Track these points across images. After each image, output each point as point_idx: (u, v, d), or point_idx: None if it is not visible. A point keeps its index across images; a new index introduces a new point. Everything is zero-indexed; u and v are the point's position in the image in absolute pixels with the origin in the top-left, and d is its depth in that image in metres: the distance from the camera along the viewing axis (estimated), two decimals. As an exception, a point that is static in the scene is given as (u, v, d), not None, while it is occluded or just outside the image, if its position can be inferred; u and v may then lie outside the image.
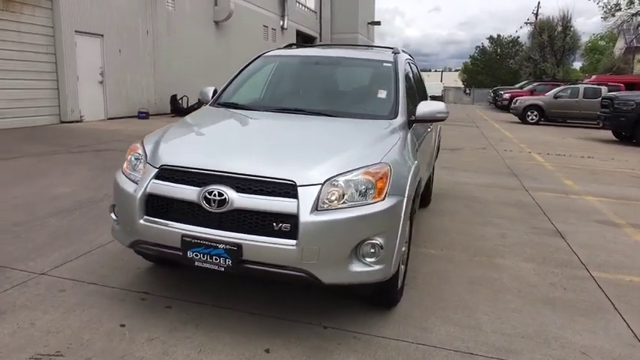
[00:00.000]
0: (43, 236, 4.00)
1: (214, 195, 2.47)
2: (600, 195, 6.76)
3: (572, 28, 38.20)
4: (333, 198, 2.48)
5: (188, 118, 3.48)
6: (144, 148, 2.89)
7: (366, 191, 2.54)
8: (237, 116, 3.50)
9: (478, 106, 37.27)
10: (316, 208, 2.43)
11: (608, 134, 15.40)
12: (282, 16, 24.75)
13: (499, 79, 51.77)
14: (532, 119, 20.32)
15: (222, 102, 3.76)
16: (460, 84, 63.59)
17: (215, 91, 3.94)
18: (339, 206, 2.47)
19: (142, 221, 2.64)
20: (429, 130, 4.31)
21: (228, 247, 2.45)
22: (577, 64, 50.21)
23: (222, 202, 2.46)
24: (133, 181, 2.77)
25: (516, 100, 21.54)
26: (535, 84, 27.92)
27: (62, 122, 11.31)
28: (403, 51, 4.65)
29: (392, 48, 4.31)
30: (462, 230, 4.81)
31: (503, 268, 3.84)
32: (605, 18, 27.88)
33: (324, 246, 2.40)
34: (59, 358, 2.37)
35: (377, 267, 2.55)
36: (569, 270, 3.88)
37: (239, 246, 2.44)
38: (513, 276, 3.70)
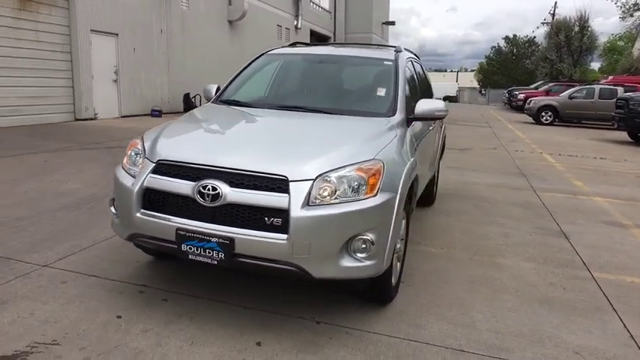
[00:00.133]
0: (49, 230, 4.09)
1: (208, 189, 2.51)
2: (609, 196, 6.66)
3: (589, 28, 37.65)
4: (325, 193, 2.51)
5: (189, 114, 3.54)
6: (143, 143, 2.94)
7: (358, 187, 2.56)
8: (236, 113, 3.55)
9: (493, 107, 36.90)
10: (308, 203, 2.45)
11: (623, 135, 15.15)
12: (296, 16, 24.81)
13: (515, 80, 51.19)
14: (546, 120, 20.06)
15: (224, 99, 3.81)
16: (476, 84, 63.04)
17: (218, 89, 3.99)
18: (331, 202, 2.50)
19: (138, 214, 2.70)
20: (431, 128, 4.30)
21: (220, 240, 2.49)
22: (595, 65, 49.49)
23: (216, 196, 2.50)
24: (131, 175, 2.82)
25: (530, 101, 21.29)
26: (551, 84, 27.55)
27: (77, 120, 11.52)
28: (407, 50, 4.65)
29: (395, 47, 4.32)
30: (466, 229, 4.79)
31: (503, 268, 3.83)
32: (623, 18, 27.45)
33: (314, 241, 2.43)
34: (55, 347, 2.43)
35: (368, 262, 2.56)
36: (570, 270, 3.85)
37: (231, 240, 2.47)
38: (513, 275, 3.68)
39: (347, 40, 31.17)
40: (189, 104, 14.78)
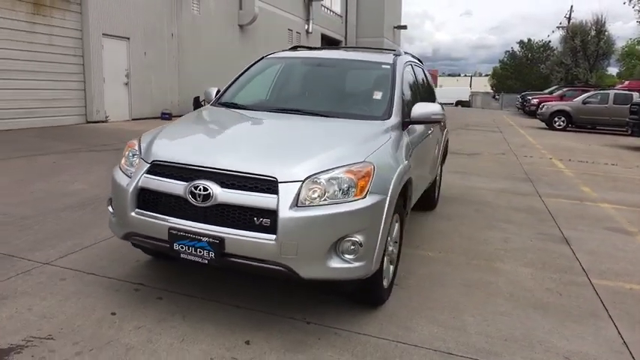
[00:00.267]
0: (52, 229, 4.18)
1: (199, 190, 2.56)
2: (617, 202, 6.59)
3: (606, 33, 37.25)
4: (315, 195, 2.54)
5: (186, 116, 3.61)
6: (140, 144, 3.01)
7: (348, 189, 2.59)
8: (232, 115, 3.61)
9: (506, 112, 36.61)
10: (296, 204, 2.49)
11: (638, 142, 14.94)
12: (307, 20, 24.94)
13: (529, 84, 50.79)
14: (559, 125, 19.85)
15: (222, 102, 3.88)
16: (490, 89, 62.65)
17: (218, 91, 4.06)
18: (320, 203, 2.53)
19: (133, 214, 2.76)
20: (430, 132, 4.31)
21: (211, 240, 2.54)
22: (613, 70, 48.90)
23: (207, 196, 2.55)
24: (127, 175, 2.89)
25: (543, 106, 21.11)
26: (565, 89, 27.29)
27: (88, 122, 11.71)
28: (407, 54, 4.68)
29: (394, 50, 4.34)
30: (466, 234, 4.78)
31: (500, 273, 3.82)
32: (640, 22, 27.06)
33: (302, 241, 2.46)
34: (50, 341, 2.49)
35: (357, 264, 2.59)
36: (569, 276, 3.82)
37: (221, 239, 2.52)
38: (509, 280, 3.67)
39: (358, 44, 31.23)
40: (198, 107, 14.93)
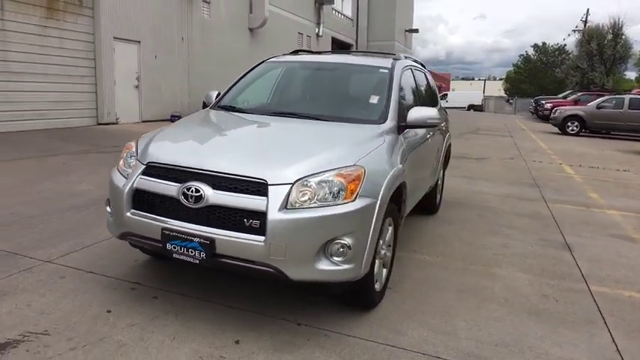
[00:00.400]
0: (56, 228, 4.27)
1: (192, 191, 2.61)
2: (625, 209, 6.51)
3: (623, 36, 36.75)
4: (305, 197, 2.57)
5: (185, 119, 3.67)
6: (137, 146, 3.07)
7: (338, 192, 2.62)
8: (229, 118, 3.66)
9: (520, 116, 36.27)
10: (286, 206, 2.52)
11: (653, 148, 14.73)
12: (318, 24, 25.02)
13: (544, 89, 50.24)
14: (572, 130, 19.60)
15: (221, 105, 3.93)
16: (503, 93, 62.16)
17: (219, 94, 4.12)
18: (310, 205, 2.56)
19: (128, 214, 2.82)
20: (429, 136, 4.32)
21: (202, 240, 2.58)
22: (631, 74, 48.19)
23: (199, 198, 2.59)
24: (124, 176, 2.95)
25: (556, 110, 20.87)
26: (579, 94, 26.97)
27: (99, 124, 11.89)
28: (408, 58, 4.69)
29: (394, 54, 4.37)
30: (465, 239, 4.77)
31: (497, 278, 3.81)
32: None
33: (290, 243, 2.49)
34: (45, 337, 2.55)
35: (345, 266, 2.61)
36: (567, 282, 3.80)
37: (212, 240, 2.56)
38: (505, 286, 3.66)
39: (369, 47, 31.25)
40: (208, 110, 15.06)
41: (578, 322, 3.15)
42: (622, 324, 3.15)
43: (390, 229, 3.21)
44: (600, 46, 36.52)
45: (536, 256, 4.39)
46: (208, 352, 2.51)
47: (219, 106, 3.94)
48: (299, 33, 23.26)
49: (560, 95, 31.77)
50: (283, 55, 4.56)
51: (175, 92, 14.59)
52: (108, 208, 3.10)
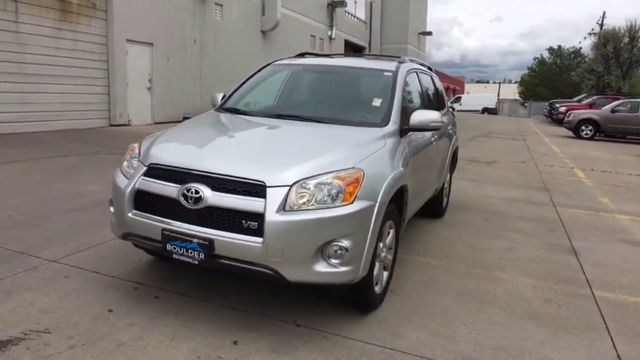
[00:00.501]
0: (63, 228, 4.34)
1: (191, 192, 2.64)
2: (635, 214, 6.42)
3: (639, 39, 36.17)
4: (303, 200, 2.59)
5: (188, 121, 3.71)
6: (140, 147, 3.12)
7: (337, 194, 2.63)
8: (232, 120, 3.70)
9: (534, 120, 35.95)
10: (283, 208, 2.54)
11: (667, 152, 14.48)
12: (331, 26, 25.07)
13: (559, 92, 49.69)
14: (586, 134, 19.35)
15: (226, 107, 3.97)
16: (518, 96, 61.58)
17: (224, 97, 4.16)
18: (308, 208, 2.57)
19: (130, 214, 2.86)
20: (433, 139, 4.31)
21: (201, 241, 2.61)
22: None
23: (198, 199, 2.63)
24: (127, 177, 2.99)
25: (570, 114, 20.63)
26: (595, 97, 26.61)
27: (111, 125, 12.06)
28: (413, 61, 4.69)
29: (399, 57, 4.37)
30: (470, 242, 4.75)
31: (499, 282, 3.78)
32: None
33: (288, 245, 2.51)
34: (46, 335, 2.60)
35: (343, 268, 2.62)
36: (571, 287, 3.76)
37: (211, 241, 2.59)
38: (508, 290, 3.63)
39: (382, 50, 31.21)
40: (220, 112, 15.19)
41: (580, 327, 3.12)
42: (624, 329, 3.11)
43: (391, 231, 3.22)
44: (616, 49, 35.98)
45: (541, 260, 4.35)
46: (206, 352, 2.54)
47: (223, 108, 3.98)
48: (311, 35, 23.33)
49: (575, 99, 31.39)
50: (289, 57, 4.59)
51: (187, 94, 14.72)
52: (111, 209, 3.15)
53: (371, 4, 31.24)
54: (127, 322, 2.79)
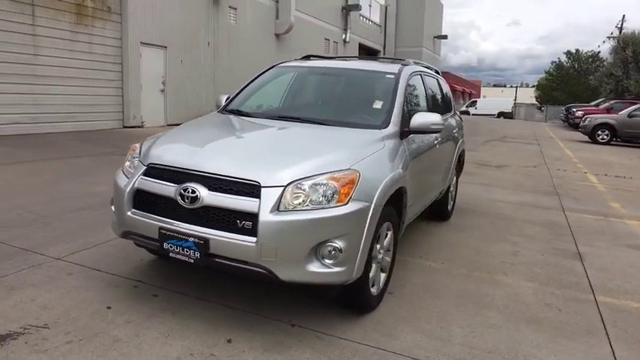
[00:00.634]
0: (71, 227, 4.43)
1: (188, 192, 2.68)
2: (646, 220, 6.31)
3: (660, 43, 35.50)
4: (298, 200, 2.61)
5: (190, 122, 3.76)
6: (141, 148, 3.18)
7: (332, 195, 2.64)
8: (233, 122, 3.74)
9: (550, 124, 35.50)
10: (278, 208, 2.56)
11: (685, 157, 14.19)
12: (345, 30, 25.11)
13: (576, 96, 48.96)
14: (602, 139, 19.04)
15: (229, 109, 4.02)
16: (535, 100, 60.84)
17: (228, 98, 4.21)
18: (303, 208, 2.59)
19: (129, 213, 2.92)
20: (437, 142, 4.29)
21: (197, 240, 2.65)
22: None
23: (195, 198, 2.66)
24: (127, 177, 3.05)
25: (586, 118, 20.34)
26: (612, 102, 26.19)
27: (125, 127, 12.25)
28: (418, 63, 4.68)
29: (402, 60, 4.37)
30: (473, 246, 4.72)
31: (500, 285, 3.76)
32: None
33: (281, 245, 2.53)
34: (44, 330, 2.66)
35: (337, 269, 2.63)
36: (573, 292, 3.72)
37: (206, 240, 2.63)
38: (507, 293, 3.61)
39: (397, 54, 31.15)
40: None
41: (579, 331, 3.08)
42: (624, 335, 3.07)
43: (389, 233, 3.22)
44: (636, 53, 35.34)
45: (545, 264, 4.31)
46: (199, 350, 2.57)
47: (226, 109, 4.03)
48: (325, 39, 23.39)
49: (593, 103, 30.95)
50: (294, 60, 4.62)
51: (201, 97, 14.87)
52: (112, 208, 3.20)
53: (386, 7, 31.23)
54: (124, 319, 2.84)
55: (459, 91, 56.30)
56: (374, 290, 3.09)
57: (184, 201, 2.69)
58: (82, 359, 2.43)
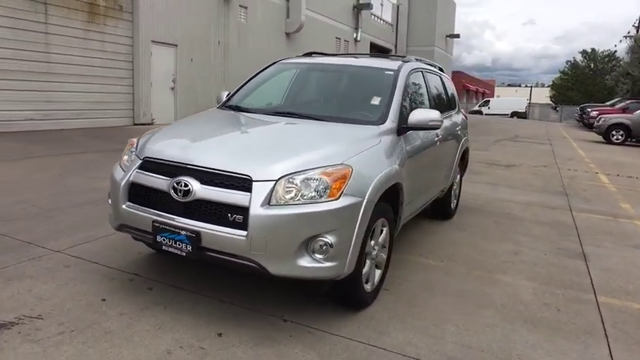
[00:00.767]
0: (73, 221, 4.47)
1: (181, 185, 2.69)
2: (656, 221, 6.19)
3: (678, 42, 34.81)
4: (290, 195, 2.60)
5: (188, 117, 3.78)
6: (138, 142, 3.20)
7: (324, 190, 2.63)
8: (231, 117, 3.75)
9: (565, 124, 35.06)
10: (269, 202, 2.56)
11: (701, 158, 13.89)
12: (356, 29, 25.04)
13: (592, 96, 48.26)
14: (617, 139, 18.73)
15: (228, 104, 4.03)
16: (550, 100, 60.10)
17: (229, 94, 4.22)
18: (293, 202, 2.59)
19: (124, 206, 2.94)
20: (437, 139, 4.25)
21: (188, 233, 2.66)
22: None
23: (187, 192, 2.67)
24: (124, 171, 3.07)
25: (600, 118, 20.03)
26: (628, 102, 25.74)
27: (135, 124, 12.37)
28: (420, 60, 4.65)
29: (403, 57, 4.34)
30: (475, 245, 4.67)
31: (499, 285, 3.71)
32: None
33: (271, 238, 2.53)
34: (38, 321, 2.69)
35: (327, 264, 2.62)
36: (574, 292, 3.66)
37: (198, 233, 2.63)
38: (506, 293, 3.56)
39: (408, 52, 30.94)
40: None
41: (576, 332, 3.03)
42: (623, 337, 3.01)
43: (385, 230, 3.20)
44: (653, 52, 34.72)
45: (548, 264, 4.25)
46: (189, 343, 2.58)
47: (226, 105, 4.04)
48: (336, 38, 23.34)
49: (608, 103, 30.48)
50: (296, 57, 4.62)
51: (211, 94, 14.92)
52: (110, 201, 3.23)
53: (398, 6, 31.08)
54: (117, 311, 2.86)
55: (472, 91, 55.84)
56: (368, 287, 3.08)
57: (177, 194, 2.70)
58: (73, 350, 2.45)
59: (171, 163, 2.82)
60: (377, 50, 28.70)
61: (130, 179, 2.94)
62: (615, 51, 50.91)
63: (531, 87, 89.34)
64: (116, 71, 11.77)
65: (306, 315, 2.96)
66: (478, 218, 5.71)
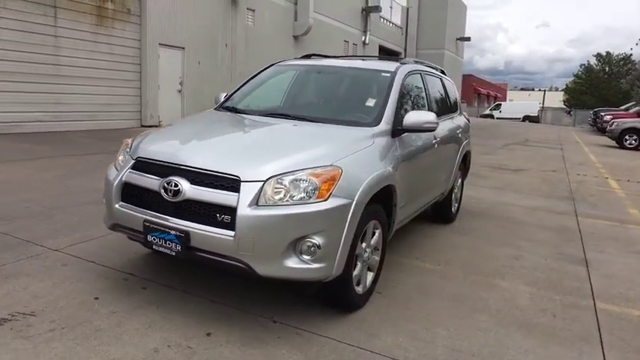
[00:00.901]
0: (72, 220, 4.52)
1: (171, 185, 2.71)
2: (663, 227, 6.08)
3: (694, 46, 34.34)
4: (278, 195, 2.60)
5: (184, 118, 3.80)
6: (132, 142, 3.22)
7: (313, 191, 2.63)
8: (226, 118, 3.77)
9: (578, 128, 34.69)
10: (256, 203, 2.56)
11: None
12: (364, 32, 25.04)
13: (606, 100, 47.69)
14: (630, 144, 18.47)
15: (225, 106, 4.05)
16: (563, 104, 59.53)
17: (226, 95, 4.24)
18: (282, 203, 2.59)
19: (117, 206, 2.96)
20: (435, 142, 4.23)
21: (178, 233, 2.67)
22: None
23: (177, 192, 2.69)
24: (117, 170, 3.10)
25: (613, 123, 19.77)
26: (643, 106, 25.42)
27: (142, 126, 12.48)
28: (419, 62, 4.63)
29: (402, 59, 4.33)
30: (475, 249, 4.63)
31: (496, 289, 3.67)
32: None
33: (258, 239, 2.53)
34: (30, 317, 2.72)
35: (315, 265, 2.61)
36: (572, 298, 3.60)
37: (187, 233, 2.65)
38: (502, 297, 3.52)
39: (418, 55, 30.90)
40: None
41: (571, 338, 2.98)
42: (619, 344, 2.95)
43: (377, 232, 3.18)
44: (669, 55, 34.28)
45: (548, 269, 4.19)
46: (177, 342, 2.58)
47: (223, 106, 4.06)
48: (345, 41, 23.37)
49: (622, 107, 30.09)
50: (295, 58, 4.63)
51: (218, 97, 15.04)
52: (104, 200, 3.26)
53: (407, 9, 31.04)
54: (109, 309, 2.88)
55: (483, 94, 55.48)
56: (359, 289, 3.06)
57: (167, 194, 2.72)
58: (62, 347, 2.47)
59: (162, 163, 2.84)
60: (386, 53, 28.66)
61: (123, 179, 2.96)
62: (631, 54, 50.35)
63: (544, 91, 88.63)
64: (124, 74, 11.91)
65: (297, 316, 2.95)
66: (480, 222, 5.66)
